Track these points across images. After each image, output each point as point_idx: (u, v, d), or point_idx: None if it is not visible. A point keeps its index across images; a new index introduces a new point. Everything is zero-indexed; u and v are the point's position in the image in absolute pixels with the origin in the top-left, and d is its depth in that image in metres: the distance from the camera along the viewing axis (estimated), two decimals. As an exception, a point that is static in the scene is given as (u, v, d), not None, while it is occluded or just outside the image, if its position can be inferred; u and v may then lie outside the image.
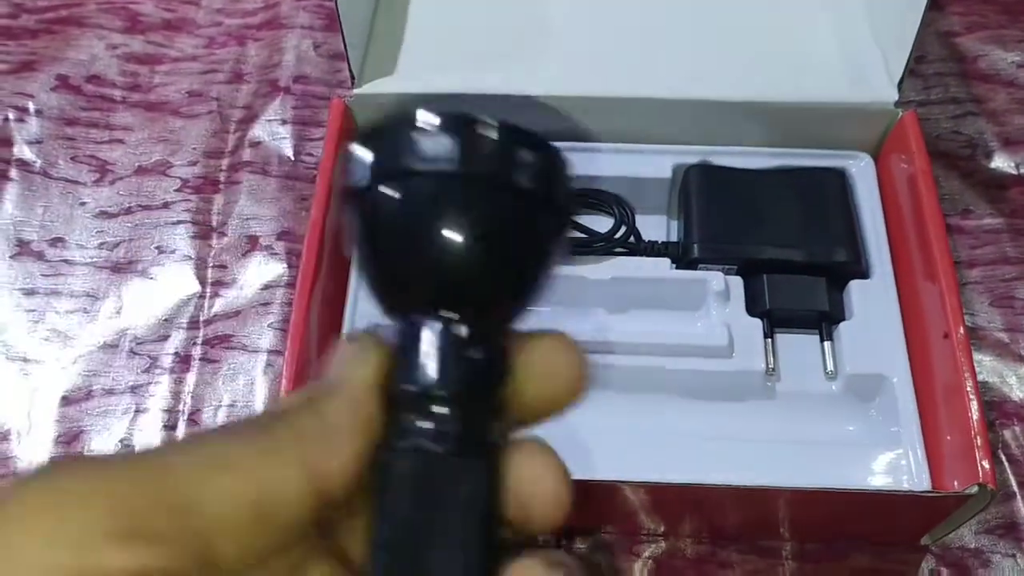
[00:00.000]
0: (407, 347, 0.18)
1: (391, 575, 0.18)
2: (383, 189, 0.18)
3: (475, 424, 0.18)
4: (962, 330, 0.37)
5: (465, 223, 0.18)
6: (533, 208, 0.19)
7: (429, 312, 0.18)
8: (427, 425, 0.18)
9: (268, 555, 0.17)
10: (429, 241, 0.18)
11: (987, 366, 0.43)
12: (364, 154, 0.19)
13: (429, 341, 0.18)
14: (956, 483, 0.35)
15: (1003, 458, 0.41)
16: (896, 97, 0.43)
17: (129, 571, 0.15)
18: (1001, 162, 0.49)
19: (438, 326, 0.18)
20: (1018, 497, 0.40)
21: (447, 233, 0.18)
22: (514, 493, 0.18)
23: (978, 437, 0.35)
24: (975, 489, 0.34)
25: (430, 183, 0.18)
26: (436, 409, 0.18)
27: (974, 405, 0.35)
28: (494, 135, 0.18)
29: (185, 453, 0.17)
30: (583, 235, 0.43)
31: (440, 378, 0.18)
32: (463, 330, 0.18)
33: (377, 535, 0.18)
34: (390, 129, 0.19)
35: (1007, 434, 0.42)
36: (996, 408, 0.42)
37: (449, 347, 0.18)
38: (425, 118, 0.18)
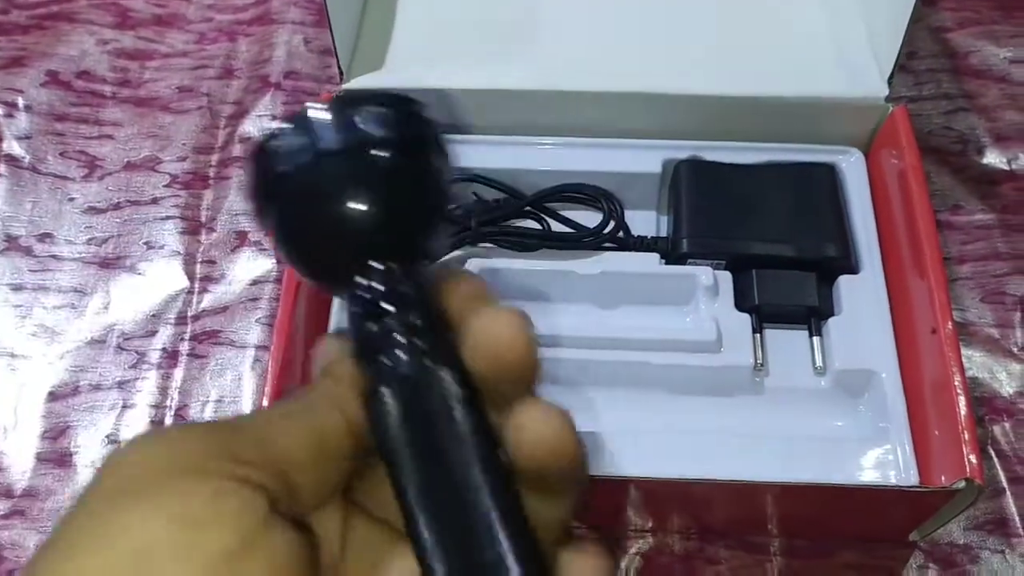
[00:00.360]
0: (352, 304, 0.21)
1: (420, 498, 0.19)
2: (283, 187, 0.21)
3: (429, 339, 0.20)
4: (950, 325, 0.37)
5: (350, 188, 0.20)
6: (397, 155, 0.21)
7: (356, 270, 0.20)
8: (391, 356, 0.20)
9: (328, 496, 0.20)
10: (328, 216, 0.20)
11: (977, 362, 0.43)
12: (262, 160, 0.21)
13: (367, 290, 0.20)
14: (943, 478, 0.35)
15: (992, 454, 0.41)
16: (886, 92, 0.43)
17: (233, 476, 0.17)
18: (992, 158, 0.49)
19: (369, 276, 0.20)
20: (1007, 493, 0.40)
21: (340, 203, 0.20)
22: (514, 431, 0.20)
23: (965, 432, 0.35)
24: (962, 484, 0.34)
25: (314, 169, 0.20)
26: (395, 337, 0.20)
27: (962, 400, 0.35)
28: (347, 108, 0.21)
29: (264, 411, 0.21)
30: (572, 230, 0.43)
31: (387, 313, 0.20)
32: (391, 270, 0.20)
33: (398, 477, 0.20)
34: (271, 138, 0.21)
35: (996, 430, 0.41)
36: (986, 404, 0.42)
37: (385, 287, 0.20)
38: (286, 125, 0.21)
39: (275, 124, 0.21)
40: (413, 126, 0.21)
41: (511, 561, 0.18)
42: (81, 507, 0.17)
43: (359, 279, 0.20)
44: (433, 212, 0.22)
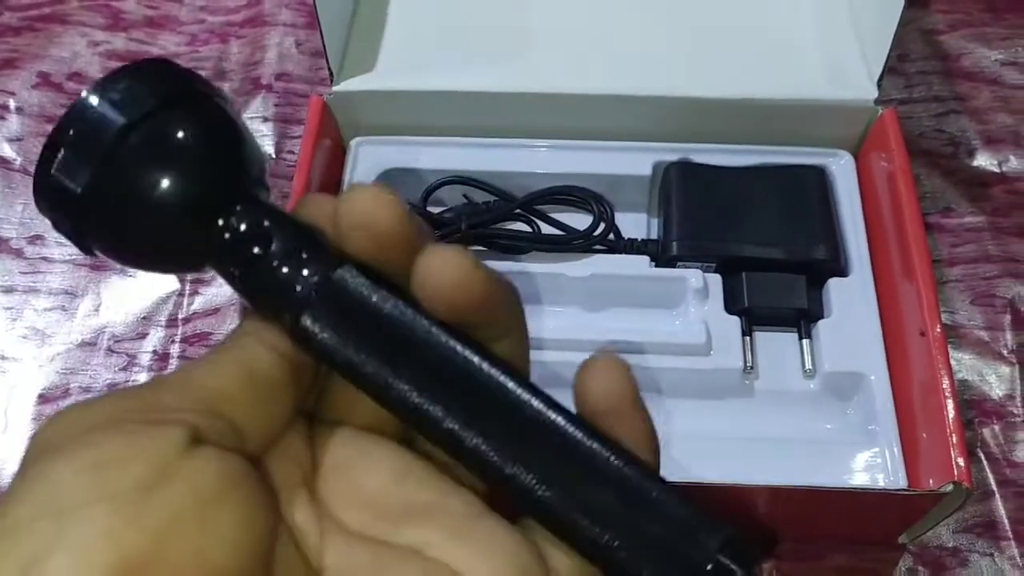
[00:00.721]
0: (223, 270, 0.20)
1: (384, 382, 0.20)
2: (92, 202, 0.19)
3: (313, 251, 0.20)
4: (939, 328, 0.37)
5: (154, 171, 0.19)
6: (171, 113, 0.20)
7: (209, 237, 0.20)
8: (290, 286, 0.19)
9: (281, 427, 0.20)
10: (153, 205, 0.19)
11: (967, 364, 0.43)
12: (52, 189, 0.20)
13: (230, 248, 0.20)
14: (932, 481, 0.35)
15: (982, 456, 0.41)
16: (876, 95, 0.43)
17: (146, 421, 0.17)
18: (983, 160, 0.49)
19: (223, 235, 0.20)
20: (997, 496, 0.40)
21: (157, 188, 0.19)
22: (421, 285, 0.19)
23: (953, 435, 0.35)
24: (950, 487, 0.34)
25: (113, 170, 0.19)
26: (283, 269, 0.19)
27: (950, 403, 0.35)
28: (99, 94, 0.19)
29: (173, 372, 0.20)
30: (562, 232, 0.43)
31: (261, 255, 0.20)
32: (237, 217, 0.20)
33: (377, 387, 0.20)
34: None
35: (986, 432, 0.42)
36: (975, 406, 0.42)
37: (243, 235, 0.20)
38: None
39: (42, 151, 0.20)
40: (171, 81, 0.20)
41: (527, 395, 0.19)
42: (18, 469, 0.18)
43: (217, 242, 0.20)
44: (235, 141, 0.21)
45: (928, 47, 0.53)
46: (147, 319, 0.46)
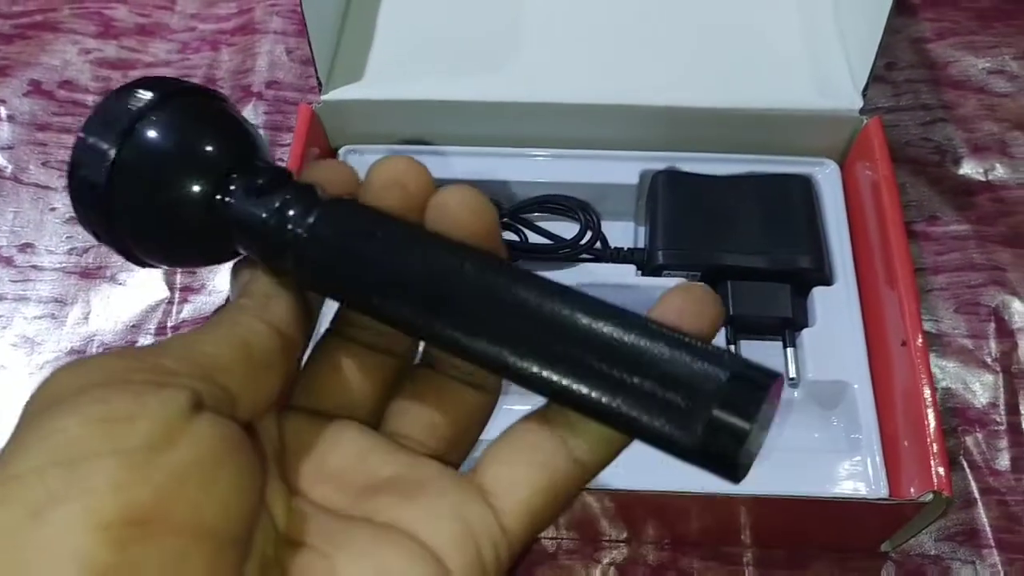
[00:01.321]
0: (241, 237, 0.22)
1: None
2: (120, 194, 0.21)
3: (310, 194, 0.21)
4: (920, 338, 0.37)
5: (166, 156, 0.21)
6: (159, 113, 0.21)
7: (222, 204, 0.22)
8: (291, 222, 0.21)
9: (267, 403, 0.21)
10: (171, 189, 0.21)
11: (951, 372, 0.44)
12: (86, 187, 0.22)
13: (240, 211, 0.21)
14: (912, 490, 0.35)
15: (964, 464, 0.41)
16: (861, 105, 0.43)
17: (151, 382, 0.18)
18: (969, 169, 0.50)
19: (230, 200, 0.21)
20: (979, 504, 0.40)
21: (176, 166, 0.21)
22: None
23: (934, 445, 0.35)
24: (930, 497, 0.34)
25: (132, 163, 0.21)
26: (287, 210, 0.21)
27: (931, 413, 0.35)
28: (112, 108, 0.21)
29: (178, 335, 0.20)
30: (549, 241, 0.43)
31: (265, 209, 0.21)
32: (238, 182, 0.21)
33: (391, 306, 0.20)
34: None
35: (969, 440, 0.42)
36: (959, 414, 0.42)
37: (246, 197, 0.21)
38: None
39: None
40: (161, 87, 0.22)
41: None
42: (19, 421, 0.18)
43: (223, 204, 0.21)
44: (223, 123, 0.23)
45: (916, 56, 0.54)
46: (136, 327, 0.46)
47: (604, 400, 0.19)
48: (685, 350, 0.19)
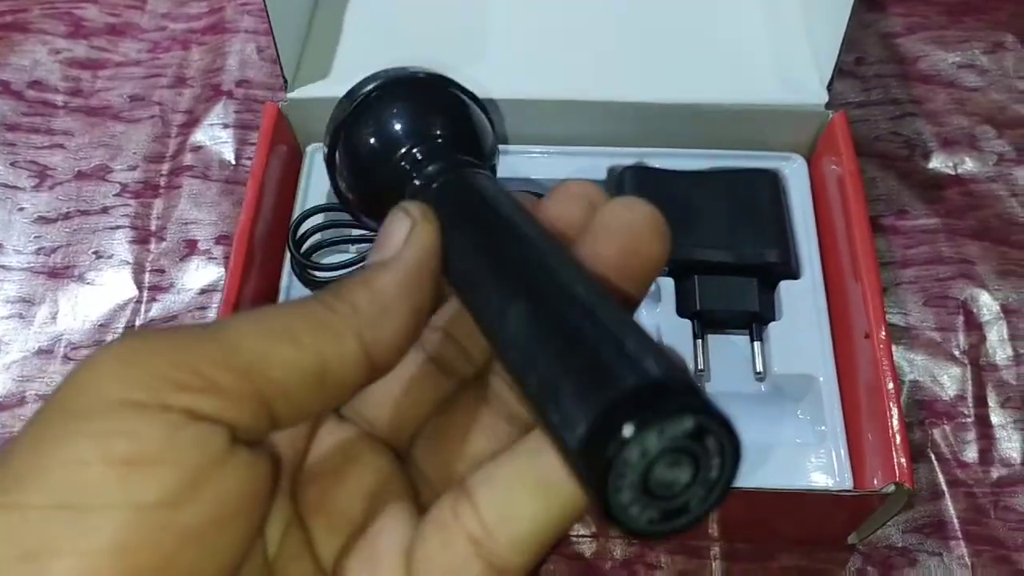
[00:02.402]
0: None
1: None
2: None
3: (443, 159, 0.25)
4: (883, 331, 0.37)
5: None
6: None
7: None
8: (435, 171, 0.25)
9: (307, 421, 0.20)
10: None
11: (919, 365, 0.44)
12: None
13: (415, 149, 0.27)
14: (876, 481, 0.36)
15: (932, 457, 0.41)
16: (826, 99, 0.43)
17: (192, 413, 0.16)
18: (938, 163, 0.50)
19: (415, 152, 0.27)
20: (946, 496, 0.40)
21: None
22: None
23: (897, 436, 0.35)
24: (892, 488, 0.34)
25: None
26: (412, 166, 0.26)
27: (893, 405, 0.35)
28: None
29: (253, 323, 0.18)
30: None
31: (407, 144, 0.27)
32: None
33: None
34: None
35: (936, 433, 0.42)
36: (926, 407, 0.43)
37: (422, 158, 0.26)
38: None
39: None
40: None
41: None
42: (36, 425, 0.16)
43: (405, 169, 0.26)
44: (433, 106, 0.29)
45: (885, 50, 0.54)
46: (104, 326, 0.46)
47: (522, 373, 0.17)
48: (623, 342, 0.16)
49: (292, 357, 0.17)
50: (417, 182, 0.25)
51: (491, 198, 0.22)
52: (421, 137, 0.27)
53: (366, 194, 0.29)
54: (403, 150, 0.26)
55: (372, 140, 0.28)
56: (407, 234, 0.20)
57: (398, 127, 0.27)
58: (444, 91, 0.30)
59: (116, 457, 0.15)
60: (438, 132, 0.28)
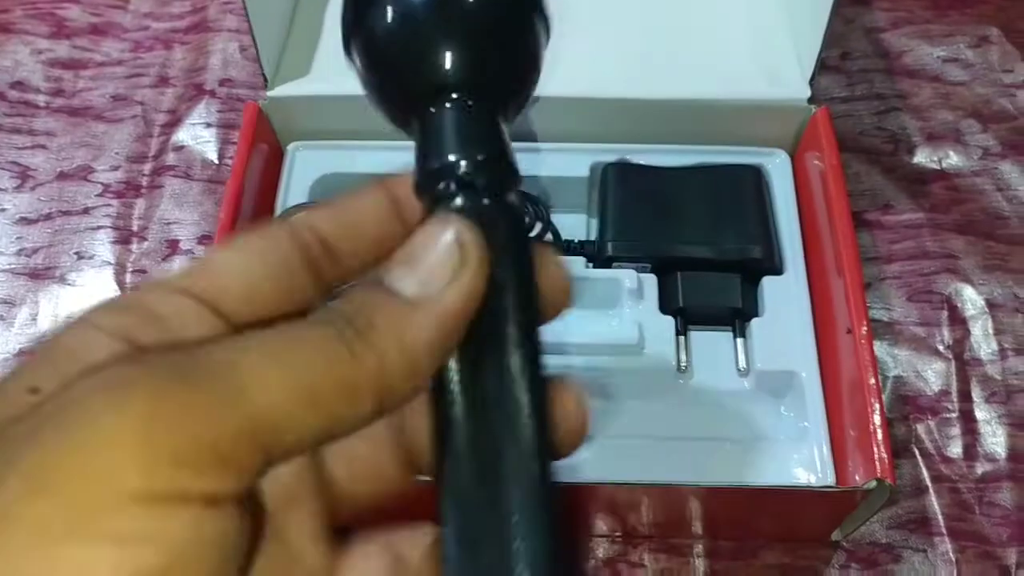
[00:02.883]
0: (431, 134, 0.20)
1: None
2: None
3: (497, 178, 0.20)
4: (865, 326, 0.37)
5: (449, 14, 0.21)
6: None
7: (446, 95, 0.20)
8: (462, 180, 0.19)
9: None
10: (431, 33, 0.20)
11: (903, 360, 0.43)
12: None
13: (450, 120, 0.20)
14: (858, 477, 0.35)
15: (916, 452, 0.41)
16: (809, 94, 0.43)
17: (210, 499, 0.15)
18: (923, 157, 0.50)
19: (456, 107, 0.20)
20: (930, 491, 0.40)
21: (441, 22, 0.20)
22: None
23: (878, 432, 0.35)
24: (873, 484, 0.34)
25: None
26: (465, 171, 0.19)
27: (875, 401, 0.35)
28: None
29: (278, 377, 0.15)
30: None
31: (464, 147, 0.20)
32: (476, 105, 0.20)
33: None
34: None
35: (920, 428, 0.42)
36: (910, 402, 0.42)
37: (467, 121, 0.20)
38: None
39: None
40: None
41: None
42: (41, 508, 0.14)
43: (451, 103, 0.20)
44: (525, 46, 0.22)
45: (870, 45, 0.54)
46: (86, 327, 0.45)
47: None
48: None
49: (310, 423, 0.16)
50: (467, 176, 0.19)
51: (526, 263, 0.19)
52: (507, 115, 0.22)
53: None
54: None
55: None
56: (454, 269, 0.17)
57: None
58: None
59: (132, 569, 0.14)
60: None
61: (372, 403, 0.16)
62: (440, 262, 0.17)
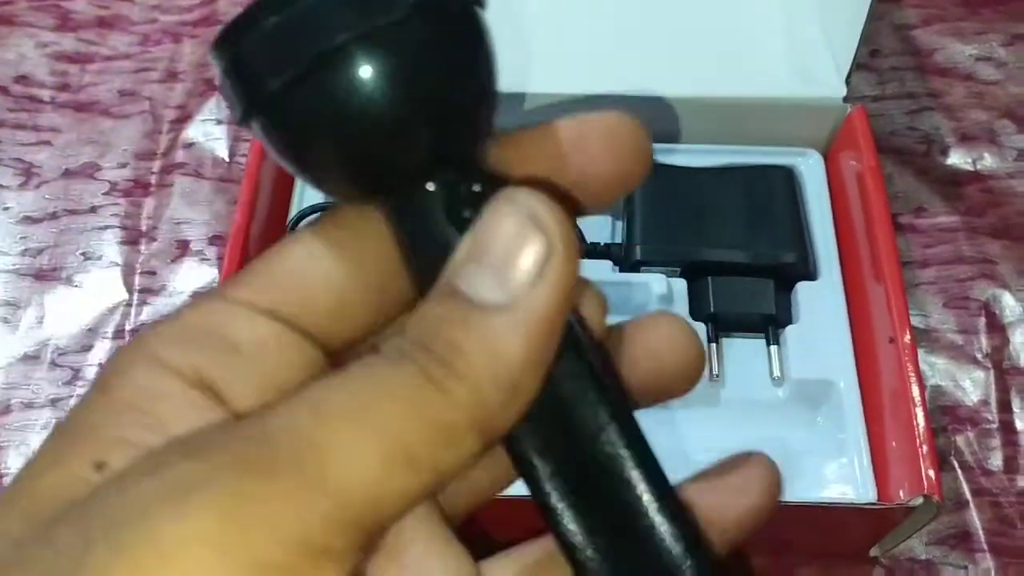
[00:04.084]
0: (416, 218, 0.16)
1: None
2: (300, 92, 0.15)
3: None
4: (908, 335, 0.36)
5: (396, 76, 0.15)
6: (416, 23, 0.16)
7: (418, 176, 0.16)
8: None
9: None
10: (376, 111, 0.16)
11: (940, 369, 0.42)
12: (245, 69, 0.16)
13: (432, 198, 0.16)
14: (901, 493, 0.34)
15: (955, 465, 0.40)
16: (844, 93, 0.42)
17: None
18: (957, 158, 0.48)
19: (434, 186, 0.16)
20: (971, 505, 0.39)
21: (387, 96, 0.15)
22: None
23: (924, 446, 0.33)
24: (920, 501, 0.32)
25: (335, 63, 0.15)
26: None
27: (919, 413, 0.34)
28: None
29: (362, 440, 0.13)
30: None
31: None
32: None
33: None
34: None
35: (959, 440, 0.40)
36: (949, 413, 0.41)
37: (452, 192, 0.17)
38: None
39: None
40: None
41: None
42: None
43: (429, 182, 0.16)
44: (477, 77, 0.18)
45: (901, 43, 0.52)
46: (93, 331, 0.44)
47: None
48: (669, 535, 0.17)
49: (411, 486, 0.14)
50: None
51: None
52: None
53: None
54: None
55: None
56: (542, 262, 0.14)
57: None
58: None
59: None
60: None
61: (475, 440, 0.14)
62: (519, 253, 0.14)
